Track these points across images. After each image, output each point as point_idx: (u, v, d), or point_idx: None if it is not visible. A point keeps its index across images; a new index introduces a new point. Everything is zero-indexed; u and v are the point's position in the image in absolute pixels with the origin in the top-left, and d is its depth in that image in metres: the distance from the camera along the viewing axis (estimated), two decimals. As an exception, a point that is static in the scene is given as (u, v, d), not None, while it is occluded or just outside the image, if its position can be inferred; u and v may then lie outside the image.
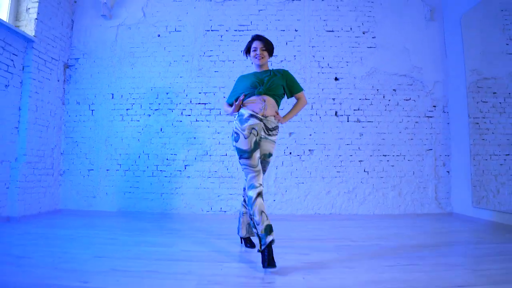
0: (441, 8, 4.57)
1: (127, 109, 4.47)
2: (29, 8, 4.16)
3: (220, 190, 4.28)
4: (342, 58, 4.46)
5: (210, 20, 4.52)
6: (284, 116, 2.49)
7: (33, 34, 4.07)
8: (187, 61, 4.47)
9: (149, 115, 4.43)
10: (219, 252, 2.50)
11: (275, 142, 2.46)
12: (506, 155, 4.12)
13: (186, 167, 4.35)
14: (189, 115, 4.40)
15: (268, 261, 1.98)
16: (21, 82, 4.03)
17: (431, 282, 1.78)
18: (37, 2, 4.14)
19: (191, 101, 4.41)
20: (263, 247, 2.06)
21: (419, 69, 4.47)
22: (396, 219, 4.08)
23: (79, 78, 4.56)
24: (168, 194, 4.32)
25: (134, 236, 3.04)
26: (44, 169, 4.24)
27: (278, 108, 2.44)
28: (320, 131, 4.36)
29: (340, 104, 4.40)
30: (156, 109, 4.43)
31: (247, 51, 2.53)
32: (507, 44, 4.17)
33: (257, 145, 2.31)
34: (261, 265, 2.03)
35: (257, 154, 2.29)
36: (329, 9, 4.52)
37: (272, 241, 2.06)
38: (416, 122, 4.41)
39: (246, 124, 2.30)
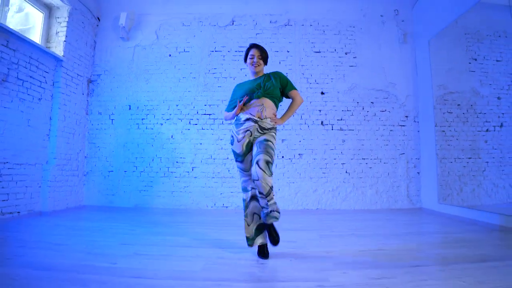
0: (412, 32, 5.00)
1: (142, 119, 4.84)
2: (58, 32, 4.55)
3: (222, 188, 4.65)
4: (328, 75, 4.86)
5: (214, 42, 4.91)
6: (281, 117, 2.43)
7: (62, 54, 4.46)
8: (194, 78, 4.86)
9: (161, 124, 4.81)
10: (221, 240, 2.83)
11: (271, 134, 2.33)
12: (469, 158, 4.49)
13: (193, 169, 4.72)
14: (196, 124, 4.78)
15: (263, 254, 2.26)
16: (51, 96, 4.42)
17: (395, 262, 2.14)
18: (65, 26, 4.53)
19: (197, 112, 4.80)
20: (254, 245, 2.32)
21: (393, 84, 4.87)
22: (373, 213, 4.46)
23: (101, 92, 4.94)
24: (178, 192, 4.69)
25: (150, 228, 3.38)
26: (70, 171, 4.61)
27: (277, 109, 2.43)
28: (308, 138, 4.75)
29: (326, 114, 4.79)
30: (167, 119, 4.81)
31: (246, 58, 2.50)
32: (470, 63, 4.54)
33: (249, 148, 2.31)
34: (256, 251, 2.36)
35: (249, 158, 2.30)
36: (316, 33, 4.92)
37: (263, 244, 2.29)
38: (391, 130, 4.80)
39: (241, 128, 2.30)
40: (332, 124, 4.80)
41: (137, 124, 4.87)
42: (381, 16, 4.99)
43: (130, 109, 4.90)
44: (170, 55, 4.94)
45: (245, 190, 2.34)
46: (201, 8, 4.97)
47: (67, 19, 4.53)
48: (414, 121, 4.87)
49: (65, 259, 2.19)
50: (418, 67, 4.93)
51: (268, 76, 2.43)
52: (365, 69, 4.90)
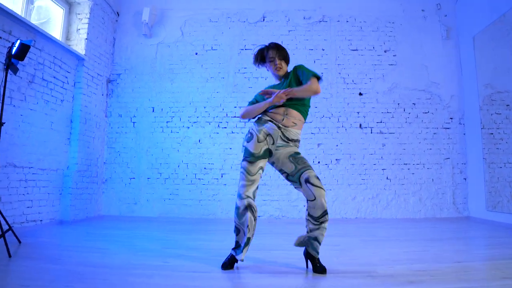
0: (456, 28, 5.14)
1: (167, 122, 4.97)
2: (79, 29, 4.69)
3: (254, 196, 4.74)
4: (366, 75, 4.99)
5: (244, 39, 5.05)
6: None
7: (84, 53, 4.59)
8: (223, 78, 4.99)
9: (188, 127, 4.93)
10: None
11: (297, 147, 2.27)
12: None
13: (223, 175, 4.84)
14: (225, 128, 4.91)
15: (229, 265, 2.21)
16: (72, 97, 4.55)
17: (436, 259, 2.42)
18: (86, 23, 4.67)
19: (227, 115, 4.92)
20: (232, 252, 2.23)
21: (437, 84, 5.00)
22: (416, 222, 4.57)
23: (121, 92, 5.07)
24: (206, 201, 4.81)
25: (183, 235, 3.60)
26: (90, 177, 4.72)
27: (305, 118, 2.31)
28: (346, 142, 4.87)
29: (364, 117, 4.92)
30: (194, 122, 4.94)
31: (262, 59, 2.41)
32: None
33: (267, 155, 2.19)
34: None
35: (260, 164, 2.18)
36: (353, 29, 5.06)
37: (234, 259, 2.22)
38: (434, 133, 4.92)
39: (262, 127, 2.21)
40: (372, 127, 4.92)
41: (161, 127, 4.98)
42: (422, 11, 5.13)
43: (153, 111, 5.01)
44: (196, 53, 5.07)
45: (240, 196, 2.18)
46: (229, 3, 5.10)
47: (88, 16, 4.65)
48: (460, 123, 4.99)
49: (114, 259, 2.43)
50: (463, 65, 5.06)
51: (289, 77, 2.32)
52: (406, 68, 5.02)
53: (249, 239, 2.18)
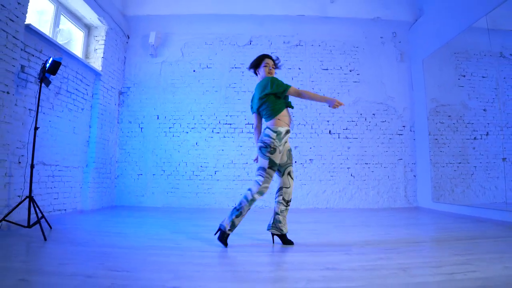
0: (408, 52, 5.86)
1: (169, 127, 5.56)
2: (96, 49, 5.25)
3: (242, 190, 5.38)
4: (334, 90, 5.66)
5: (234, 59, 5.68)
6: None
7: (100, 69, 5.14)
8: (217, 91, 5.61)
9: (187, 132, 5.53)
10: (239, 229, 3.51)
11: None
12: (459, 163, 5.24)
13: (216, 172, 5.44)
14: (218, 133, 5.52)
15: (225, 241, 2.53)
16: (91, 106, 5.09)
17: (398, 241, 2.93)
18: (103, 44, 5.23)
19: (219, 122, 5.54)
20: (223, 230, 2.54)
21: (392, 98, 5.70)
22: (375, 212, 5.18)
23: (131, 103, 5.64)
24: (202, 194, 5.40)
25: (186, 221, 3.98)
26: (105, 174, 5.27)
27: None
28: (318, 145, 5.53)
29: (333, 125, 5.59)
30: (192, 128, 5.53)
31: (258, 65, 2.90)
32: (459, 79, 5.31)
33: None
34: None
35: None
36: (324, 52, 5.74)
37: (225, 232, 2.53)
38: (390, 138, 5.61)
39: (283, 141, 2.58)
40: (339, 133, 5.59)
41: (164, 132, 5.57)
42: (381, 37, 5.85)
43: (158, 118, 5.61)
44: (194, 71, 5.69)
45: (261, 193, 2.53)
46: (222, 29, 5.74)
47: (104, 38, 5.23)
48: (410, 131, 5.70)
49: (133, 242, 2.67)
50: (414, 83, 5.77)
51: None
52: (367, 85, 5.71)
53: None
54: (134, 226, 3.56)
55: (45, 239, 2.67)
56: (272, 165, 2.51)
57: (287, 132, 2.63)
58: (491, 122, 5.12)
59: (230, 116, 5.55)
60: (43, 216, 3.04)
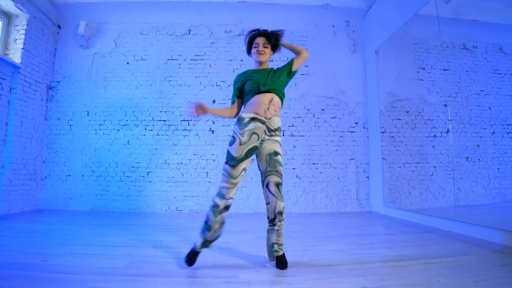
0: (362, 42, 5.17)
1: (100, 125, 4.96)
2: (16, 39, 4.64)
3: (176, 192, 4.77)
4: (280, 83, 4.99)
5: (171, 51, 5.06)
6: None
7: (20, 61, 4.55)
8: (151, 85, 4.99)
9: (118, 130, 4.93)
10: (157, 241, 2.95)
11: (279, 142, 2.18)
12: (417, 163, 4.64)
13: (148, 173, 4.84)
14: (151, 130, 4.90)
15: (188, 257, 2.12)
16: (8, 102, 4.49)
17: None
18: (23, 34, 4.63)
19: (153, 119, 4.92)
20: (194, 248, 2.13)
21: (344, 92, 5.04)
22: (322, 217, 4.58)
23: (60, 98, 5.05)
24: (133, 196, 4.80)
25: (96, 229, 3.49)
26: (27, 175, 4.69)
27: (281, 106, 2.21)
28: (261, 143, 4.87)
29: (278, 121, 4.92)
30: (124, 125, 4.93)
31: (249, 48, 2.31)
32: (418, 72, 4.70)
33: (250, 154, 2.06)
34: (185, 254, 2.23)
35: (243, 165, 2.05)
36: (269, 42, 5.06)
37: (195, 250, 2.12)
38: (341, 136, 4.96)
39: (246, 128, 2.05)
40: (283, 130, 4.94)
41: (94, 129, 4.96)
42: (333, 26, 5.18)
43: (88, 115, 5.00)
44: (128, 63, 5.07)
45: (221, 196, 2.04)
46: (159, 18, 5.11)
47: (25, 27, 4.62)
48: (364, 128, 5.04)
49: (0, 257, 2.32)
50: (368, 76, 5.12)
51: (276, 69, 2.23)
52: (316, 78, 5.06)
53: (218, 236, 2.11)
54: (25, 236, 3.09)
55: None
56: (228, 159, 2.05)
57: (253, 119, 2.06)
58: (453, 118, 4.56)
59: (165, 112, 4.93)
60: None
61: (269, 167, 2.09)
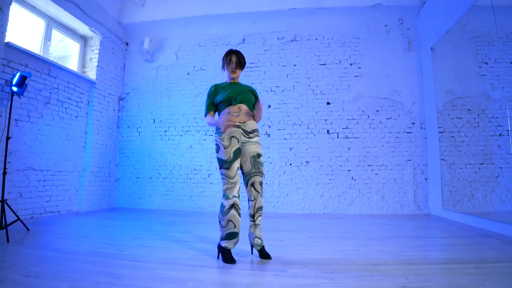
0: (417, 40, 4.92)
1: (165, 131, 5.24)
2: (92, 58, 5.09)
3: (234, 193, 4.87)
4: (333, 86, 4.93)
5: (227, 59, 5.17)
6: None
7: (95, 77, 4.98)
8: (209, 93, 5.15)
9: (181, 135, 5.17)
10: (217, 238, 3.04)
11: (258, 143, 2.35)
12: (480, 164, 4.29)
13: (209, 175, 5.02)
14: (212, 135, 5.07)
15: (224, 259, 2.21)
16: (86, 113, 4.93)
17: (356, 261, 2.30)
18: (97, 54, 5.05)
19: (212, 124, 5.08)
20: (223, 248, 2.25)
21: (399, 92, 4.83)
22: (378, 218, 4.42)
23: (130, 108, 5.42)
24: (195, 197, 5.01)
25: (163, 226, 3.75)
26: (103, 177, 5.10)
27: (253, 112, 2.40)
28: (314, 146, 4.85)
29: (331, 124, 4.87)
30: (186, 131, 5.16)
31: (224, 63, 2.48)
32: (480, 67, 4.35)
33: (237, 154, 2.25)
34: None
35: (236, 165, 2.24)
36: (321, 46, 5.03)
37: (227, 249, 2.23)
38: (397, 137, 4.75)
39: (225, 134, 2.25)
40: (338, 133, 4.85)
41: (160, 135, 5.26)
42: (386, 26, 4.98)
43: (154, 122, 5.32)
44: (188, 73, 5.30)
45: (227, 197, 2.21)
46: (215, 30, 5.29)
47: (98, 47, 5.04)
48: (421, 128, 4.77)
49: (84, 246, 2.65)
50: (424, 74, 4.85)
51: (246, 87, 2.41)
52: (370, 79, 4.89)
53: (237, 233, 2.23)
54: (104, 230, 3.46)
55: (8, 241, 2.71)
56: (221, 164, 2.26)
57: (229, 126, 2.26)
58: (520, 115, 4.18)
59: (223, 118, 5.06)
60: (18, 219, 3.15)
61: (254, 169, 2.28)
